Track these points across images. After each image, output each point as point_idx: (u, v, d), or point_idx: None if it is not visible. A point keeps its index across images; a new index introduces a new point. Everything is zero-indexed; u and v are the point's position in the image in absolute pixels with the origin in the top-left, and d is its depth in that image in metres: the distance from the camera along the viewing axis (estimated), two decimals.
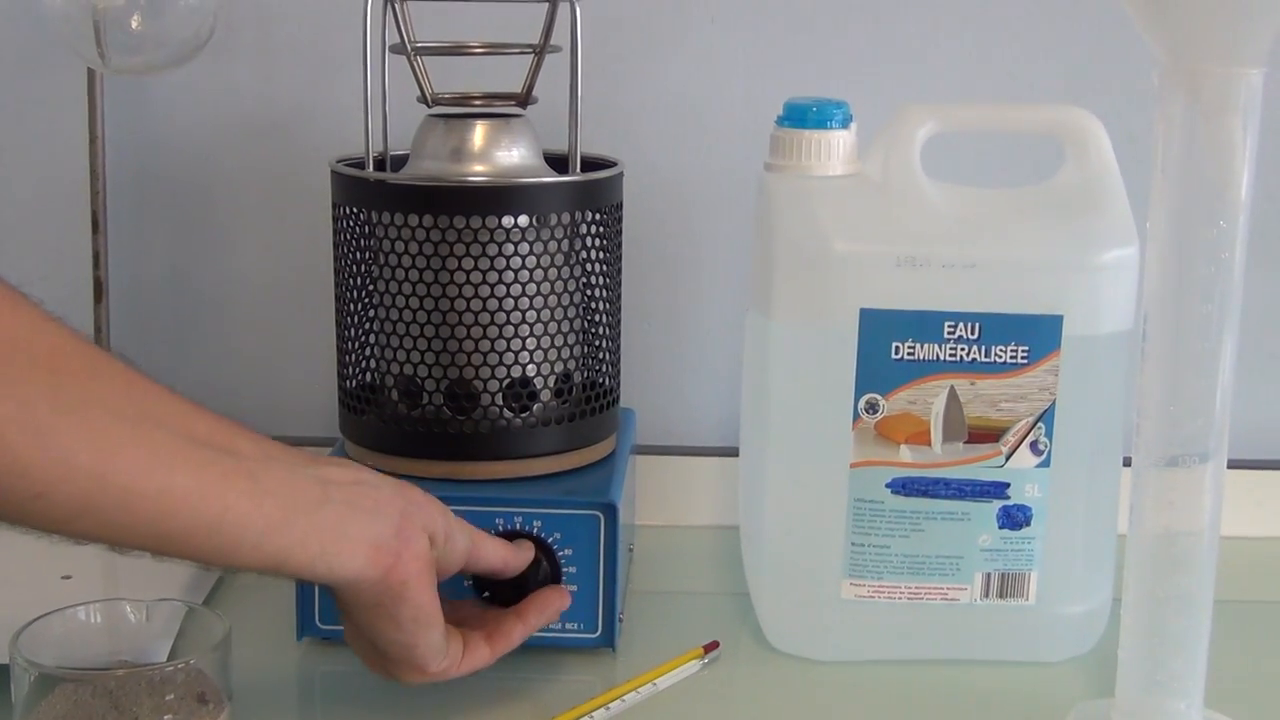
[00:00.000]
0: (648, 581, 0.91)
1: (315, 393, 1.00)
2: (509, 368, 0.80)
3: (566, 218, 0.80)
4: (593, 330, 0.84)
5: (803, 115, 0.79)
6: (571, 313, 0.82)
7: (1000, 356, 0.76)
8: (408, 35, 0.82)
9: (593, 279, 0.83)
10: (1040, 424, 0.77)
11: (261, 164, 1.01)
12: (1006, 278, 0.76)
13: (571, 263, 0.82)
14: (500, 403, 0.80)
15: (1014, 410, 0.77)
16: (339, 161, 0.83)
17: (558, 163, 0.84)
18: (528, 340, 0.80)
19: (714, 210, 1.01)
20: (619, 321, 0.86)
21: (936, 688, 0.78)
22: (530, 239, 0.79)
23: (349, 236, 0.82)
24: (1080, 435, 0.77)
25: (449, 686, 0.70)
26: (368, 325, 0.83)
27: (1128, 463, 0.70)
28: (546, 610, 0.74)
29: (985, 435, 0.77)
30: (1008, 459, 0.77)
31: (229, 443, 0.63)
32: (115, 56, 0.88)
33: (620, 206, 0.85)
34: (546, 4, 0.82)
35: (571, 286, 0.82)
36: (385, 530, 0.64)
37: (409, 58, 0.82)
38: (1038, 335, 0.76)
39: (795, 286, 0.77)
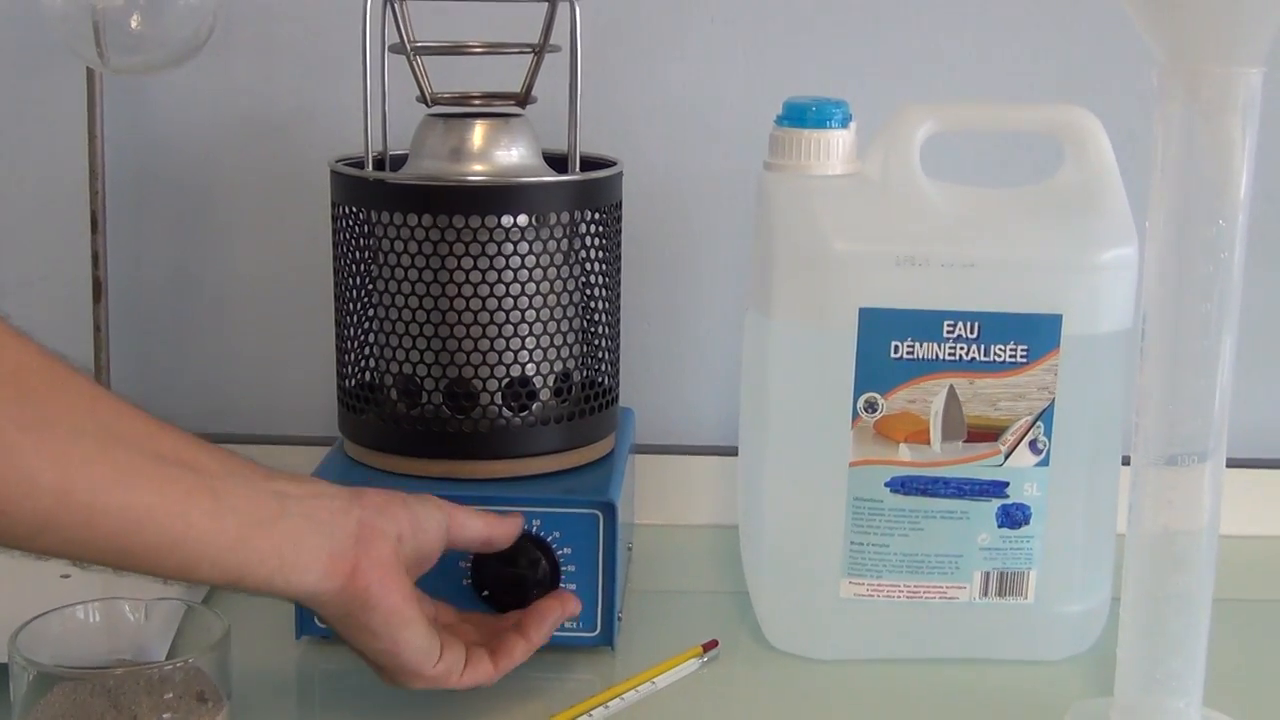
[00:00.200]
0: (647, 580, 0.91)
1: (315, 392, 1.00)
2: (508, 367, 0.80)
3: (566, 217, 0.80)
4: (592, 330, 0.84)
5: (802, 115, 0.79)
6: (571, 312, 0.82)
7: (999, 356, 0.76)
8: (407, 35, 0.82)
9: (592, 278, 0.83)
10: (1039, 423, 0.77)
11: (261, 164, 1.01)
12: (1006, 277, 0.76)
13: (571, 262, 0.82)
14: (499, 402, 0.80)
15: (1013, 409, 0.77)
16: (339, 161, 0.83)
17: (557, 162, 0.84)
18: (527, 339, 0.80)
19: (713, 210, 1.01)
20: (618, 321, 0.86)
21: (935, 686, 0.78)
22: (530, 238, 0.79)
23: (348, 236, 0.83)
24: (1079, 434, 0.77)
25: None
26: (367, 325, 0.83)
27: (1127, 462, 0.70)
28: (548, 622, 0.74)
29: (984, 434, 0.77)
30: (1007, 458, 0.77)
31: (192, 458, 0.63)
32: (115, 56, 0.88)
33: (619, 206, 0.85)
34: (546, 4, 0.82)
35: (571, 286, 0.82)
36: (342, 540, 0.64)
37: (408, 57, 0.82)
38: (1037, 334, 0.76)
39: (795, 286, 0.77)
